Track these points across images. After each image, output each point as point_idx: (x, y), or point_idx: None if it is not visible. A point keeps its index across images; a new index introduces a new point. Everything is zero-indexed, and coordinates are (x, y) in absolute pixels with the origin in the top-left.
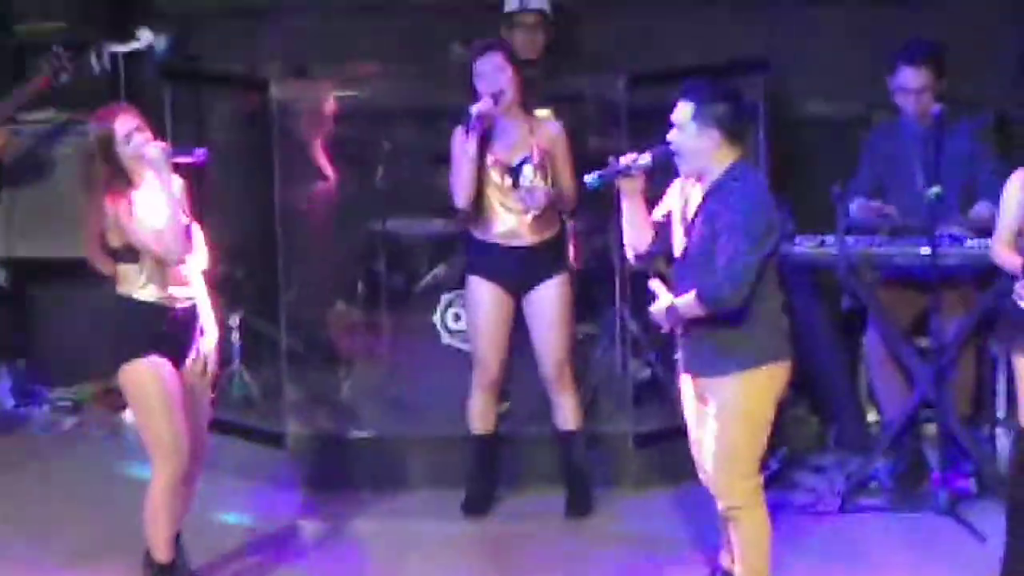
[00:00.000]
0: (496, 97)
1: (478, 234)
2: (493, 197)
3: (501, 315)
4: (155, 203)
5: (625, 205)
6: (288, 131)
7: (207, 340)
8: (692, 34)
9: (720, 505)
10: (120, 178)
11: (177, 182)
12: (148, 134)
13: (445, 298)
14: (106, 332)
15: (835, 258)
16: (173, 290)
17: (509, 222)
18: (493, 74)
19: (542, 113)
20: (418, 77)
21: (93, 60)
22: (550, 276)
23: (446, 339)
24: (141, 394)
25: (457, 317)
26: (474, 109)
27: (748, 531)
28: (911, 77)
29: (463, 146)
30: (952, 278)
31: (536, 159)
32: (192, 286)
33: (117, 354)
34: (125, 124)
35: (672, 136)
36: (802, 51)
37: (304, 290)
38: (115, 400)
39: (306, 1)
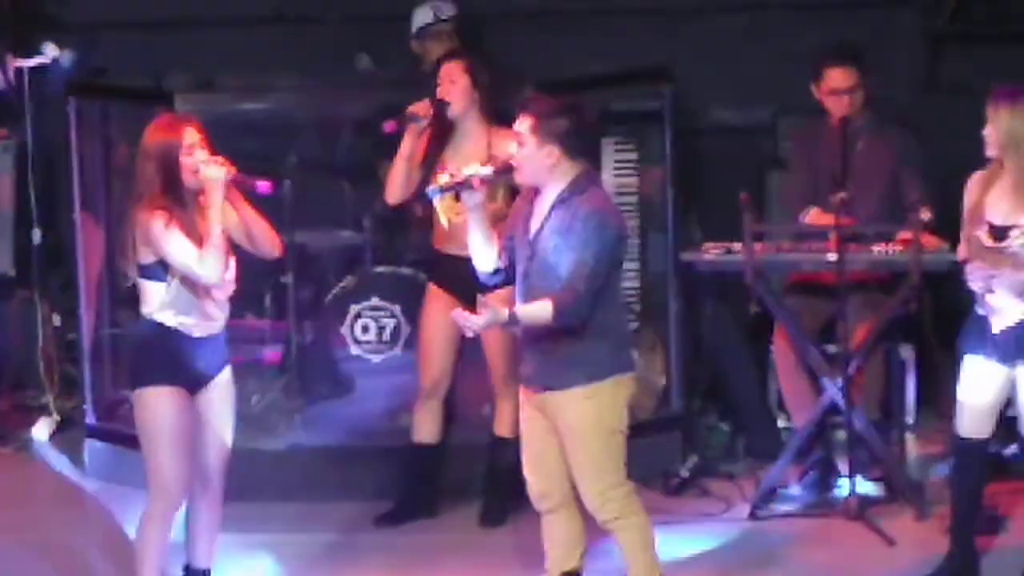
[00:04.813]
0: (437, 104)
1: (435, 244)
2: (439, 208)
3: (453, 326)
4: (202, 225)
5: (469, 220)
6: None
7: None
8: (599, 44)
9: (598, 519)
10: (171, 191)
11: (228, 210)
12: (209, 151)
13: (354, 308)
14: (127, 352)
15: (742, 265)
16: (198, 316)
17: (458, 232)
18: (444, 82)
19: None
20: (325, 88)
21: None
22: (506, 284)
23: (355, 350)
24: (149, 423)
25: (365, 328)
26: (409, 108)
27: (631, 539)
28: (842, 77)
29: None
30: (859, 283)
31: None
32: (218, 314)
33: (133, 377)
34: (191, 135)
35: (512, 149)
36: (706, 59)
37: None
38: (24, 415)
39: (213, 14)
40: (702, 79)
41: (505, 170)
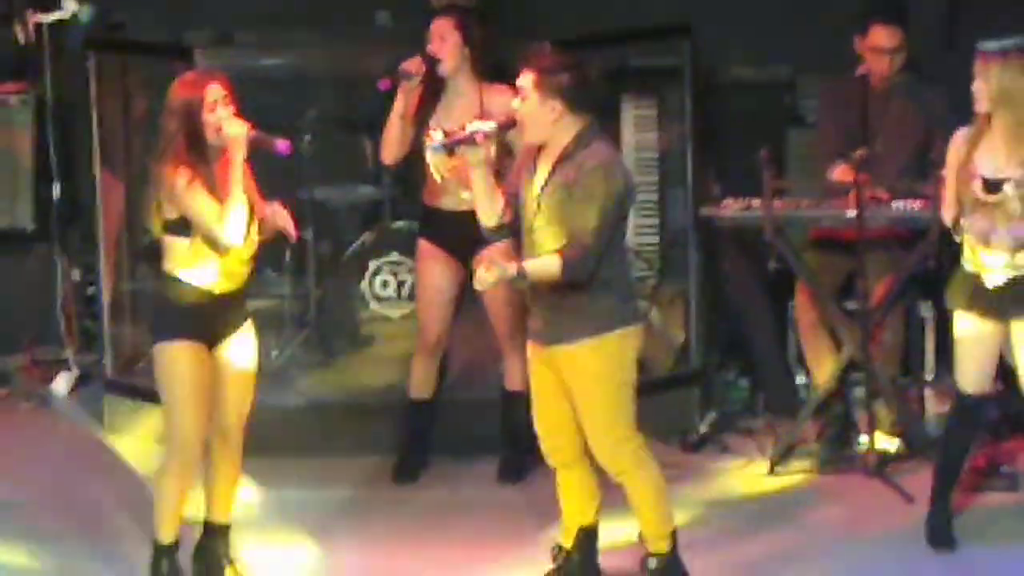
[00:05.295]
0: (429, 60)
1: (427, 200)
2: (432, 164)
3: (448, 282)
4: (224, 183)
5: (472, 176)
6: None
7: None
8: (618, 1)
9: (609, 473)
10: (194, 148)
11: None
12: (233, 109)
13: (373, 265)
14: (147, 307)
15: (762, 221)
16: (220, 272)
17: (451, 188)
18: (434, 39)
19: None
20: (344, 44)
21: (18, 30)
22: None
23: (374, 306)
24: (168, 378)
25: (385, 284)
26: (402, 65)
27: (641, 492)
28: (888, 36)
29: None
30: (880, 240)
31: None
32: (240, 270)
33: (154, 331)
34: (214, 92)
35: (515, 105)
36: (725, 16)
37: None
38: (43, 370)
39: None
40: (722, 35)
41: (508, 126)
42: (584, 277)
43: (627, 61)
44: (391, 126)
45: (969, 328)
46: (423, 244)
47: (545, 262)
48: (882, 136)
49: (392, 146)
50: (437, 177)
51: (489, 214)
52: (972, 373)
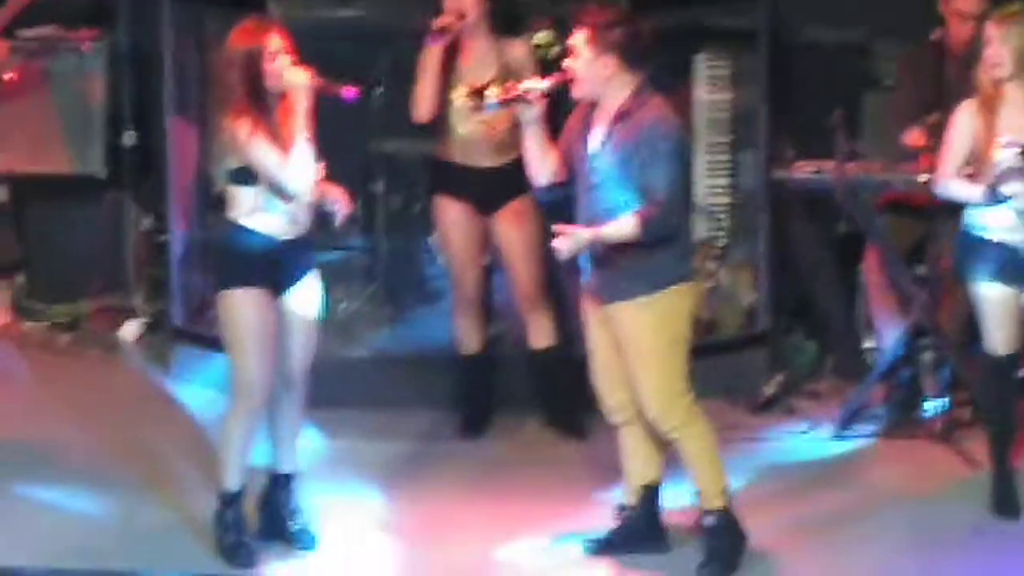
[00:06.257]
0: (459, 14)
1: (441, 155)
2: (455, 118)
3: (471, 233)
4: (287, 132)
5: (526, 134)
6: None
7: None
8: None
9: (661, 430)
10: (256, 97)
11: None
12: (293, 57)
13: None
14: (212, 254)
15: (834, 184)
16: (285, 220)
17: (470, 142)
18: None
19: (542, 36)
20: None
21: None
22: (517, 196)
23: (442, 260)
24: (233, 324)
25: None
26: (436, 22)
27: (693, 448)
28: (971, 2)
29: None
30: (950, 205)
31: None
32: (305, 218)
33: (217, 279)
34: (274, 41)
35: (568, 62)
36: None
37: None
38: (112, 317)
39: None
40: None
41: (562, 83)
42: (665, 233)
43: (702, 20)
44: (426, 84)
45: (996, 294)
46: (443, 201)
47: (622, 224)
48: (957, 102)
49: (428, 102)
50: (461, 131)
51: (542, 172)
52: (1003, 335)
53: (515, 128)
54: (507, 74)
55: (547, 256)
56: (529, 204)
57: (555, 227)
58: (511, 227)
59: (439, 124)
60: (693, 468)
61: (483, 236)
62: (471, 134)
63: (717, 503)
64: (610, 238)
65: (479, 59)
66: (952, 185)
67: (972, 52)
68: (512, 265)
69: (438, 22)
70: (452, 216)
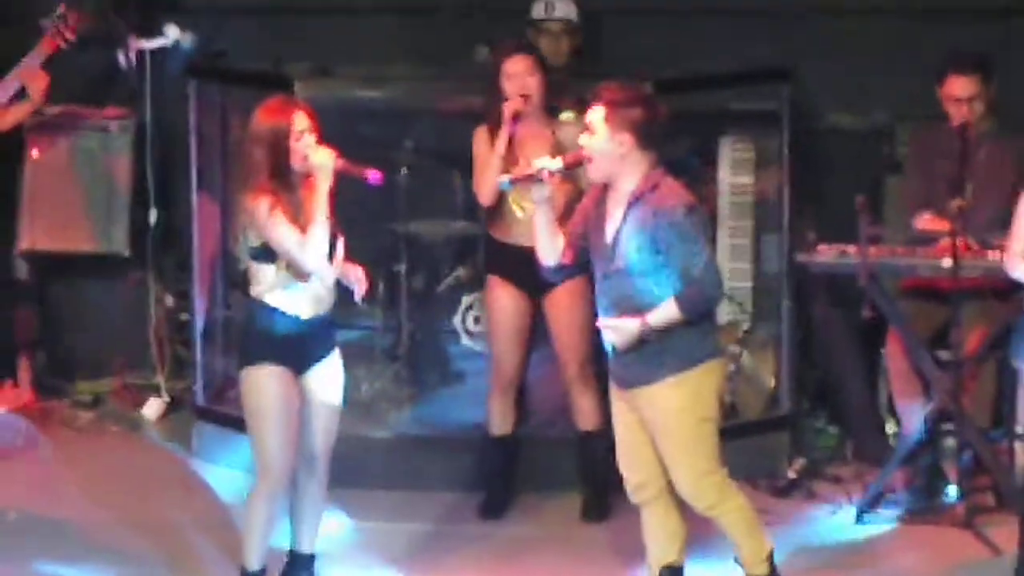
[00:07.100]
0: (525, 99)
1: (497, 235)
2: (512, 198)
3: (519, 317)
4: (309, 211)
5: (536, 212)
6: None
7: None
8: (717, 44)
9: (697, 508)
10: (278, 175)
11: None
12: (317, 137)
13: (466, 300)
14: (236, 332)
15: (856, 267)
16: (306, 298)
17: (527, 223)
18: (522, 77)
19: (567, 116)
20: (442, 78)
21: (120, 56)
22: (570, 277)
23: (466, 341)
24: (256, 402)
25: (477, 320)
26: (508, 108)
27: (733, 522)
28: (962, 86)
29: (486, 144)
30: (974, 290)
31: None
32: (327, 296)
33: (240, 356)
34: (300, 121)
35: (583, 140)
36: (825, 61)
37: None
38: (134, 395)
39: (333, 2)
40: (821, 81)
41: (576, 163)
42: (707, 308)
43: (726, 103)
44: (489, 167)
45: None
46: (493, 280)
47: (665, 309)
48: (972, 185)
49: (490, 186)
50: (519, 213)
51: (549, 252)
52: None
53: (570, 208)
54: (560, 153)
55: (595, 338)
56: (581, 286)
57: (599, 321)
58: (562, 309)
59: (496, 206)
60: (734, 539)
61: (530, 320)
62: (528, 214)
63: (761, 569)
64: (658, 325)
65: (536, 141)
66: (1016, 266)
67: (979, 134)
68: (562, 347)
69: (510, 107)
70: (502, 299)
